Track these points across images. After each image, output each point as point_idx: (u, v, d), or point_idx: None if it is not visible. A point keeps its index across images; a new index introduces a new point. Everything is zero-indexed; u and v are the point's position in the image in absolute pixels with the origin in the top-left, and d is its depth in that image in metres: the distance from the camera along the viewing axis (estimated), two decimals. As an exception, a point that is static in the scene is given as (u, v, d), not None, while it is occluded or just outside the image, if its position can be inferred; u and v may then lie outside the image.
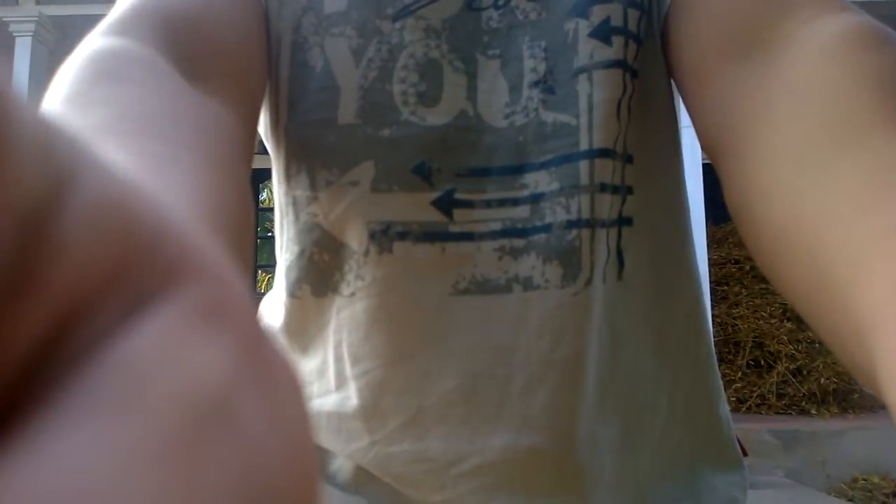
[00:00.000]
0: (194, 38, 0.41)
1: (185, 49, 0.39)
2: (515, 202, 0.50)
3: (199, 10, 0.43)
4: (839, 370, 6.70)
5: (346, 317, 0.52)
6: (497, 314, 0.50)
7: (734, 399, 6.64)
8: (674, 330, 0.59)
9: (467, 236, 0.50)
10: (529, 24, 0.51)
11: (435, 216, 0.50)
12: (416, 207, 0.50)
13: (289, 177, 0.56)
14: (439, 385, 0.50)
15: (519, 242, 0.50)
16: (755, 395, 6.61)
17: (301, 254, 0.56)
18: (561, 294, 0.49)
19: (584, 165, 0.49)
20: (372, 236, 0.50)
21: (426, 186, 0.50)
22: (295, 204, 0.56)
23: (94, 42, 0.35)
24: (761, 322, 6.94)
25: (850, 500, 5.11)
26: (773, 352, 6.76)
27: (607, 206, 0.50)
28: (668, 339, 0.57)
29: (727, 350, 6.94)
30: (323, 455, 0.56)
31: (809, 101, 0.35)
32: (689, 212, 0.64)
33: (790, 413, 6.44)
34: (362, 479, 0.54)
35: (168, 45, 0.38)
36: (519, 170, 0.50)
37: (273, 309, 0.63)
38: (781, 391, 6.58)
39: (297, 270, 0.57)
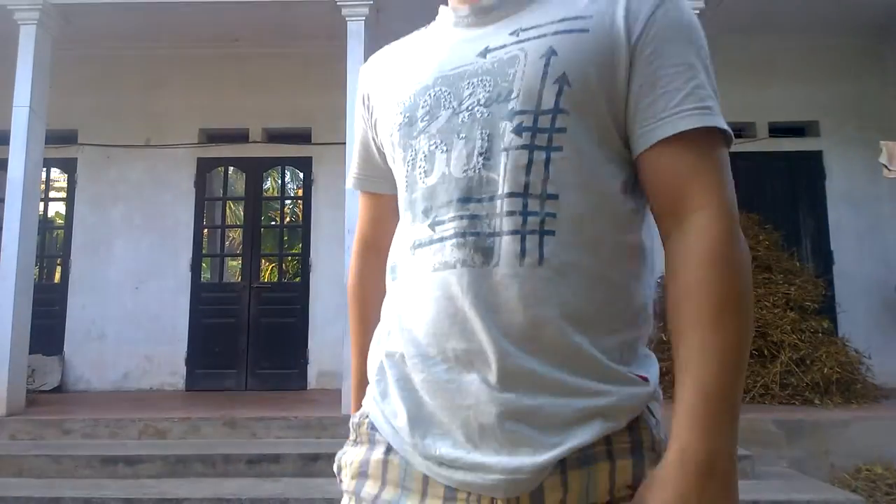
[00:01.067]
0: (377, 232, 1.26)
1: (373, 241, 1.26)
2: (461, 218, 0.98)
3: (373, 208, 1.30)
4: (842, 360, 6.71)
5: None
6: (447, 281, 0.97)
7: (737, 389, 6.64)
8: (602, 301, 1.14)
9: (440, 240, 1.00)
10: (481, 120, 0.99)
11: (429, 232, 1.02)
12: (423, 229, 1.03)
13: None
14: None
15: (461, 240, 0.98)
16: (759, 385, 6.61)
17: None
18: (480, 270, 0.96)
19: (499, 201, 0.97)
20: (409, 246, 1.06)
21: (425, 218, 1.03)
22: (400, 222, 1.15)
23: (354, 260, 1.28)
24: (765, 312, 6.92)
25: (853, 490, 5.11)
26: (777, 342, 6.75)
27: (519, 223, 0.96)
28: (590, 314, 1.09)
29: (731, 340, 6.93)
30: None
31: (675, 286, 1.11)
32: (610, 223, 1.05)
33: (794, 403, 6.44)
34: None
35: (368, 246, 1.27)
36: (467, 200, 0.99)
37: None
38: (785, 381, 6.57)
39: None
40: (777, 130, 8.46)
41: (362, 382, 1.21)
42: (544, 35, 1.01)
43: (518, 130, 0.98)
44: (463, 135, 1.01)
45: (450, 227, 0.99)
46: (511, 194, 0.96)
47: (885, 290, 8.00)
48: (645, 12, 0.99)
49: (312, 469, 5.21)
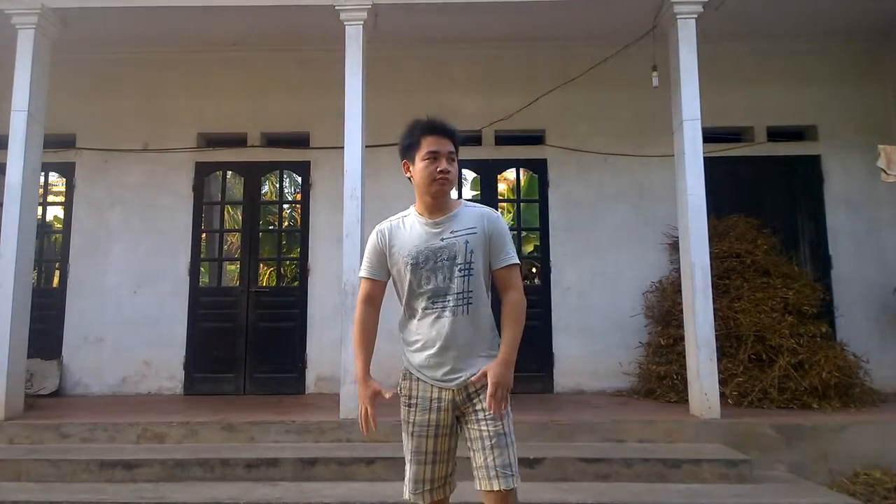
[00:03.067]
0: (374, 296, 3.08)
1: (373, 299, 3.08)
2: (444, 300, 2.89)
3: (374, 287, 3.06)
4: (841, 364, 6.71)
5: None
6: (440, 322, 2.89)
7: (736, 393, 6.65)
8: (484, 325, 2.94)
9: (439, 307, 2.92)
10: (446, 266, 2.88)
11: (431, 304, 2.91)
12: (428, 303, 2.92)
13: (403, 292, 2.99)
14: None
15: (445, 307, 2.89)
16: (757, 389, 6.61)
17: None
18: (453, 318, 2.88)
19: (455, 294, 2.87)
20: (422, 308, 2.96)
21: (428, 300, 2.92)
22: (406, 298, 2.97)
23: (360, 305, 3.07)
24: (763, 316, 6.93)
25: (852, 495, 5.11)
26: (775, 346, 6.76)
27: (462, 302, 2.87)
28: (481, 329, 2.93)
29: (729, 344, 6.94)
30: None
31: (504, 307, 2.94)
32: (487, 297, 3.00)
33: (792, 407, 6.44)
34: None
35: (369, 300, 3.07)
36: (445, 294, 2.89)
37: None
38: (783, 385, 6.58)
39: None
40: (775, 135, 8.47)
41: (367, 368, 3.00)
42: (463, 234, 2.89)
43: (460, 270, 2.87)
44: (440, 271, 2.88)
45: (440, 303, 2.88)
46: (459, 292, 2.87)
47: (884, 294, 8.00)
48: (490, 226, 2.92)
49: (310, 473, 5.21)
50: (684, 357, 6.66)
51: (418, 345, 2.92)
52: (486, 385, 2.79)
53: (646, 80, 7.32)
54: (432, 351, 2.87)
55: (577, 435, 5.85)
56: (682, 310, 6.64)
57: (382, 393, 2.91)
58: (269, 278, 12.42)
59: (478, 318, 2.89)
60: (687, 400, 6.52)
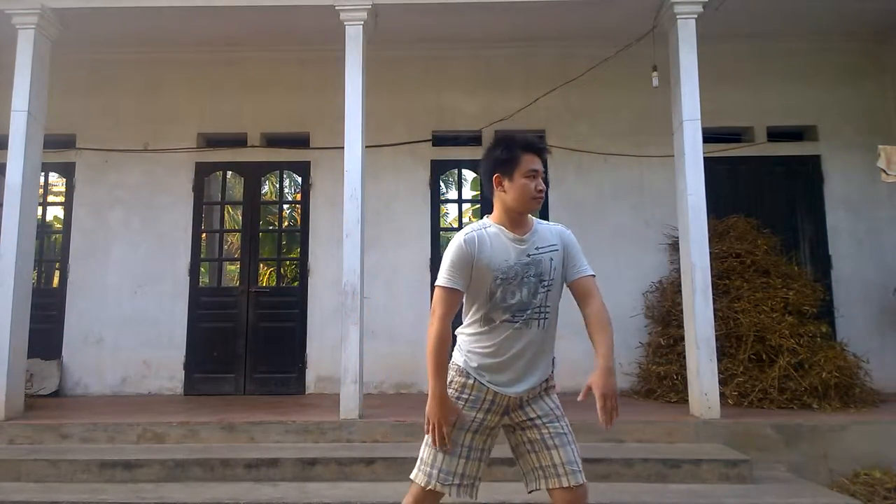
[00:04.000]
0: (456, 309, 2.91)
1: (455, 312, 2.90)
2: (526, 313, 2.88)
3: (458, 298, 2.88)
4: (841, 364, 6.71)
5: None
6: (518, 334, 2.88)
7: (736, 393, 6.65)
8: (551, 340, 3.00)
9: (522, 320, 2.90)
10: (532, 282, 2.87)
11: (511, 317, 2.88)
12: (509, 316, 2.88)
13: (483, 303, 2.90)
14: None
15: (526, 319, 2.89)
16: (757, 389, 6.61)
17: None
18: (530, 330, 2.90)
19: (537, 308, 2.89)
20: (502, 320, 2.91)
21: (511, 313, 2.88)
22: (486, 309, 2.90)
23: (446, 321, 2.83)
24: (763, 316, 6.94)
25: (851, 495, 5.11)
26: (775, 346, 6.76)
27: (540, 316, 2.90)
28: (551, 341, 3.00)
29: (729, 344, 6.94)
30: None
31: (590, 315, 2.96)
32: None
33: (792, 407, 6.44)
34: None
35: (453, 313, 2.88)
36: (527, 307, 2.88)
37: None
38: (783, 385, 6.58)
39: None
40: (775, 135, 8.47)
41: (445, 374, 2.88)
42: (547, 251, 2.92)
43: (544, 286, 2.89)
44: (526, 286, 2.86)
45: (520, 316, 2.86)
46: (539, 306, 2.89)
47: (884, 294, 8.00)
48: (567, 241, 3.02)
49: (310, 473, 5.21)
50: (684, 357, 6.66)
51: (489, 350, 2.87)
52: (541, 393, 2.95)
53: (646, 80, 7.31)
54: (503, 359, 2.85)
55: (577, 435, 5.75)
56: (682, 310, 6.64)
57: (458, 413, 2.86)
58: (269, 278, 12.44)
59: (551, 329, 2.94)
60: (687, 400, 6.52)
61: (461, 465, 2.84)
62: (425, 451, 2.89)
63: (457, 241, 2.87)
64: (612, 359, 2.84)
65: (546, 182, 8.68)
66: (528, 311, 2.85)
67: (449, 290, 2.83)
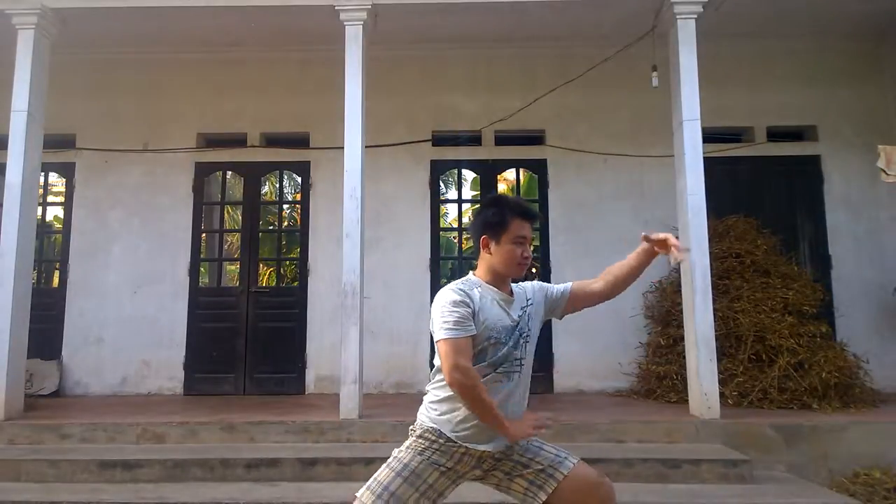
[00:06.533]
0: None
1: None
2: (511, 365, 2.80)
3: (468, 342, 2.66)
4: (841, 365, 6.71)
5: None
6: (503, 388, 2.77)
7: (736, 393, 6.65)
8: (525, 388, 2.91)
9: (504, 371, 2.81)
10: (520, 339, 2.83)
11: (497, 370, 2.76)
12: (490, 369, 2.74)
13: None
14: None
15: (509, 372, 2.81)
16: (757, 389, 6.61)
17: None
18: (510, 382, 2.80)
19: (525, 363, 2.87)
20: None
21: (500, 367, 2.77)
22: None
23: (470, 368, 2.61)
24: (763, 316, 6.93)
25: (851, 495, 5.11)
26: (775, 346, 6.76)
27: (523, 356, 2.84)
28: (524, 391, 2.91)
29: (728, 344, 6.94)
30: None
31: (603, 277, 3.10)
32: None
33: (792, 407, 6.44)
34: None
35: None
36: (514, 362, 2.81)
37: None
38: (783, 385, 6.58)
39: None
40: (775, 135, 8.47)
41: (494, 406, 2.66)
42: (527, 308, 2.89)
43: (525, 339, 2.84)
44: (510, 342, 2.77)
45: (501, 370, 2.75)
46: (517, 359, 2.81)
47: (884, 294, 8.01)
48: (539, 288, 3.01)
49: (310, 473, 5.21)
50: (684, 357, 6.66)
51: (463, 408, 2.69)
52: (521, 445, 2.82)
53: (645, 80, 7.31)
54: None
55: (577, 435, 5.84)
56: (681, 310, 6.64)
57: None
58: (269, 278, 12.43)
59: (526, 378, 2.87)
60: (687, 400, 6.52)
61: (413, 499, 2.69)
62: (384, 472, 2.77)
63: (453, 295, 2.70)
64: None
65: (546, 183, 8.68)
66: (507, 364, 2.75)
67: (465, 339, 2.62)
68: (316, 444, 5.84)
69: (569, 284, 3.04)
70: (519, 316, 2.83)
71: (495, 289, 2.83)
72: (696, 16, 6.62)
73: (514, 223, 2.84)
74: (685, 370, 6.63)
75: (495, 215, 2.86)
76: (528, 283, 2.99)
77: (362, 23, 6.69)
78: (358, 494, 2.78)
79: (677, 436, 5.86)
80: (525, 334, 2.83)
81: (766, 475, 5.39)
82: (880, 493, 5.21)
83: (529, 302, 2.90)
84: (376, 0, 6.72)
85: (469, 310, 2.67)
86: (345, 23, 6.70)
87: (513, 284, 2.92)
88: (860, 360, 7.02)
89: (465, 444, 2.71)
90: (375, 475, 2.80)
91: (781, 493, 4.92)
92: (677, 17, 6.61)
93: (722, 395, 6.34)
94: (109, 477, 5.22)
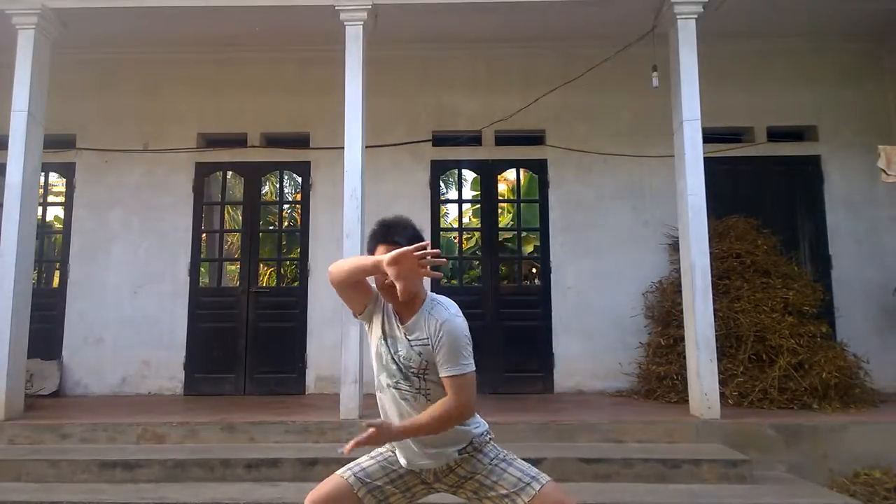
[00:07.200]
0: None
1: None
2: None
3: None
4: (841, 365, 6.71)
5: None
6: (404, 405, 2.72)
7: (736, 393, 6.65)
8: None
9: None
10: (404, 369, 2.72)
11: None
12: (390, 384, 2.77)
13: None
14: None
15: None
16: (757, 389, 6.61)
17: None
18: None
19: (415, 391, 2.70)
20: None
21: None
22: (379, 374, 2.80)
23: None
24: (763, 316, 6.93)
25: (851, 495, 5.11)
26: (775, 346, 6.76)
27: (418, 388, 2.70)
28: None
29: (729, 344, 6.94)
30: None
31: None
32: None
33: (792, 408, 6.44)
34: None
35: None
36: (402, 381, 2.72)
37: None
38: (783, 386, 6.58)
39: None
40: (775, 135, 8.47)
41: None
42: (418, 344, 2.65)
43: (414, 374, 2.68)
44: (393, 369, 2.73)
45: (396, 389, 2.78)
46: (411, 388, 2.71)
47: (884, 294, 8.01)
48: (435, 333, 2.63)
49: (311, 473, 5.20)
50: (684, 357, 6.66)
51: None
52: (467, 457, 2.76)
53: (646, 80, 7.31)
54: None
55: (577, 435, 5.84)
56: (682, 310, 6.64)
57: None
58: (269, 278, 12.44)
59: (420, 409, 2.76)
60: (687, 400, 6.52)
61: (382, 481, 2.80)
62: (363, 457, 2.89)
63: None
64: (410, 429, 2.59)
65: (546, 183, 8.69)
66: (407, 385, 2.70)
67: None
68: (316, 444, 5.84)
69: (446, 373, 2.61)
70: (403, 347, 2.69)
71: (393, 310, 2.74)
72: (696, 16, 6.62)
73: (378, 249, 2.68)
74: (685, 370, 6.63)
75: (368, 241, 2.79)
76: (449, 323, 2.65)
77: (362, 23, 6.69)
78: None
79: (677, 436, 5.86)
80: (410, 369, 2.68)
81: (766, 475, 5.39)
82: (880, 493, 5.21)
83: (425, 339, 2.65)
84: (376, 0, 6.72)
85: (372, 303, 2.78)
86: (345, 23, 6.70)
87: (437, 311, 2.68)
88: (860, 360, 7.02)
89: (398, 458, 2.83)
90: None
91: (781, 493, 4.92)
92: (677, 17, 6.61)
93: (722, 395, 6.34)
94: (109, 477, 5.22)
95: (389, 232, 2.69)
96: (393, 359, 2.71)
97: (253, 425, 5.98)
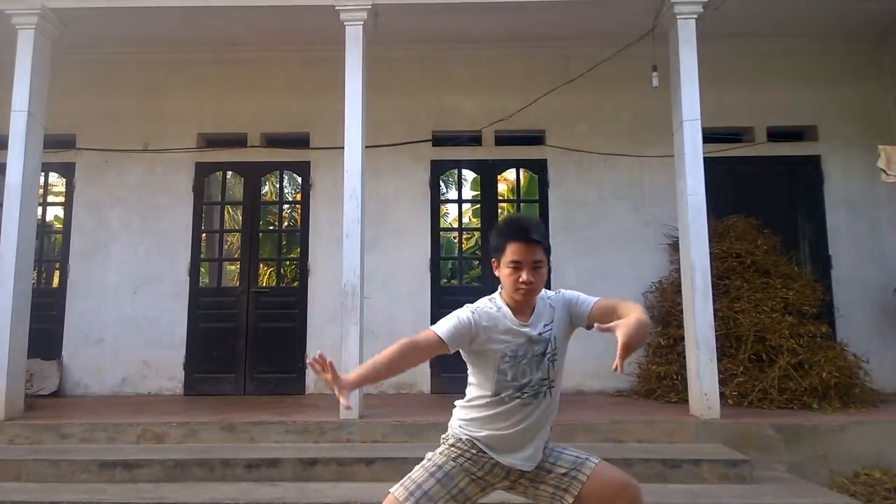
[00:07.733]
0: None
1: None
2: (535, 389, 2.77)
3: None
4: (841, 365, 6.71)
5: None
6: (531, 408, 2.75)
7: (736, 393, 6.65)
8: (555, 408, 2.89)
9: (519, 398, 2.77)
10: (541, 342, 2.74)
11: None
12: (518, 391, 2.75)
13: (491, 379, 2.75)
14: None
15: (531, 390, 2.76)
16: (757, 389, 6.61)
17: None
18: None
19: (552, 386, 2.81)
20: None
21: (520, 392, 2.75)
22: (491, 387, 2.76)
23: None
24: (763, 316, 6.94)
25: (851, 495, 5.11)
26: (775, 346, 6.76)
27: (550, 376, 2.78)
28: (552, 412, 2.88)
29: (729, 344, 6.94)
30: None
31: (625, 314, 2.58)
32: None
33: (792, 408, 6.44)
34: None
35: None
36: (542, 384, 2.78)
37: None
38: (783, 386, 6.58)
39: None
40: (775, 135, 8.47)
41: (358, 373, 2.78)
42: (546, 331, 2.75)
43: (549, 359, 2.76)
44: (533, 364, 2.73)
45: (528, 391, 2.75)
46: (544, 378, 2.77)
47: (884, 294, 8.01)
48: (561, 303, 2.83)
49: (311, 473, 5.21)
50: (684, 357, 6.66)
51: (496, 424, 2.76)
52: (544, 453, 2.82)
53: (646, 80, 7.31)
54: (509, 433, 2.75)
55: (577, 435, 5.84)
56: (682, 310, 6.64)
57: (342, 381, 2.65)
58: (269, 278, 12.43)
59: (556, 397, 2.86)
60: (687, 400, 6.51)
61: (444, 500, 2.73)
62: (419, 471, 2.79)
63: (467, 310, 2.75)
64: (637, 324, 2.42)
65: (546, 183, 8.68)
66: (535, 386, 2.74)
67: (438, 339, 2.64)
68: (316, 444, 5.84)
69: (591, 303, 2.78)
70: (539, 334, 2.73)
71: (510, 309, 2.75)
72: (696, 16, 6.62)
73: (508, 247, 2.74)
74: (685, 370, 6.63)
75: (493, 238, 2.84)
76: (559, 297, 2.84)
77: (362, 23, 6.69)
78: (391, 490, 2.75)
79: (677, 436, 5.86)
80: (549, 353, 2.76)
81: (766, 475, 5.39)
82: (880, 493, 5.21)
83: (550, 319, 2.78)
84: (376, 0, 6.72)
85: (467, 330, 2.68)
86: (345, 23, 6.70)
87: (546, 296, 2.82)
88: (860, 360, 7.02)
89: (493, 457, 2.76)
90: (409, 474, 2.78)
91: (781, 493, 4.92)
92: (677, 17, 6.61)
93: (722, 395, 6.34)
94: (109, 477, 5.22)
95: (520, 233, 2.72)
96: (534, 357, 2.73)
97: (253, 425, 5.98)
